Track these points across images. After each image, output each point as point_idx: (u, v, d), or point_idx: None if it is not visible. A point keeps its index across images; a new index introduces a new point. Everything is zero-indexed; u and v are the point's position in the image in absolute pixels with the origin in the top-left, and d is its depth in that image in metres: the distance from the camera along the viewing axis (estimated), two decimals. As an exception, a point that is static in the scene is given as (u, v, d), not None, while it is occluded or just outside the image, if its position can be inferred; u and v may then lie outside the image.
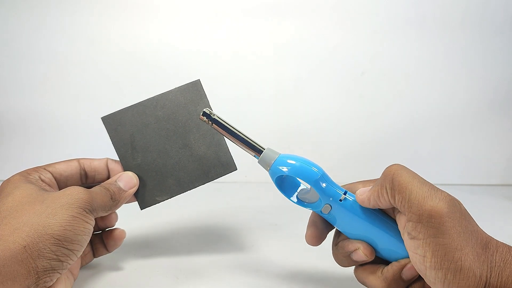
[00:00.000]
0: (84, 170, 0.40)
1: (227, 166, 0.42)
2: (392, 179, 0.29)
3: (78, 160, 0.40)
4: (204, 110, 0.35)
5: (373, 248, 0.33)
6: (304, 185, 0.37)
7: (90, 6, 0.75)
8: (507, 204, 0.70)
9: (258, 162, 0.35)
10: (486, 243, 0.27)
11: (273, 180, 0.35)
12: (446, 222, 0.26)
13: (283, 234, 0.52)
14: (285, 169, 0.33)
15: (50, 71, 0.77)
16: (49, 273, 0.30)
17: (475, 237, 0.27)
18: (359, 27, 0.78)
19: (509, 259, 0.26)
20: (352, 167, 0.82)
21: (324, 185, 0.33)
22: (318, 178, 0.33)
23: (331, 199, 0.33)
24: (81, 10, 0.75)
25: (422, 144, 0.82)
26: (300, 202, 0.35)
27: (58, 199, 0.32)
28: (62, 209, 0.31)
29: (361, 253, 0.33)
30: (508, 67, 0.79)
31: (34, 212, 0.31)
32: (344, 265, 0.35)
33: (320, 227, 0.35)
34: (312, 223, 0.36)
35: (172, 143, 0.41)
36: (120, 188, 0.38)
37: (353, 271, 0.35)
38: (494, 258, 0.26)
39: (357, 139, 0.82)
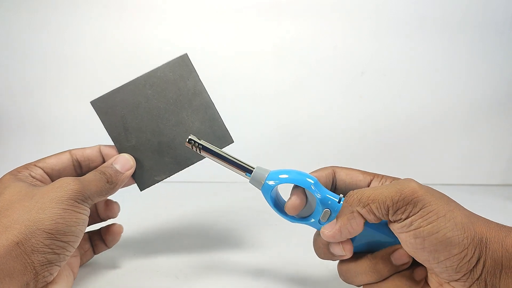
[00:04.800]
0: (77, 161, 0.39)
1: (223, 139, 0.41)
2: (360, 198, 0.30)
3: (69, 151, 0.39)
4: (189, 137, 0.35)
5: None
6: None
7: (90, 6, 0.75)
8: (507, 204, 0.70)
9: (250, 181, 0.35)
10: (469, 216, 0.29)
11: (266, 198, 0.35)
12: (424, 196, 0.27)
13: (284, 234, 0.52)
14: (284, 176, 0.33)
15: (50, 71, 0.77)
16: (47, 267, 0.30)
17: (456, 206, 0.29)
18: (359, 27, 0.78)
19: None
20: (352, 167, 0.82)
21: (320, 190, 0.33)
22: (315, 182, 0.33)
23: (329, 202, 0.33)
24: (81, 10, 0.75)
25: (422, 144, 0.82)
26: (296, 218, 0.35)
27: (47, 193, 0.32)
28: (52, 203, 0.31)
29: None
30: (508, 67, 0.79)
31: (24, 209, 0.31)
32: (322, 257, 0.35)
33: (301, 196, 0.35)
34: (295, 193, 0.35)
35: (165, 121, 0.40)
36: (117, 171, 0.37)
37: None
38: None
39: (357, 139, 0.82)
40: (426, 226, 0.27)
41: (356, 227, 0.30)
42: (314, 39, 0.78)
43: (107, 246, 0.43)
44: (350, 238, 0.32)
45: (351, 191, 0.31)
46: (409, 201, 0.27)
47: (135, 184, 0.41)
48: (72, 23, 0.75)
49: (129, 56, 0.77)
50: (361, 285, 0.33)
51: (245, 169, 0.35)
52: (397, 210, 0.28)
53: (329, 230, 0.31)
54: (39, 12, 0.75)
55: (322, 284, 0.39)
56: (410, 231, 0.27)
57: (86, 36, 0.76)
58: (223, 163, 0.35)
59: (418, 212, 0.27)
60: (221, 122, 0.41)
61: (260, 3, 0.76)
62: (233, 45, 0.78)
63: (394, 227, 0.29)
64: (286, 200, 0.37)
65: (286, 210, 0.34)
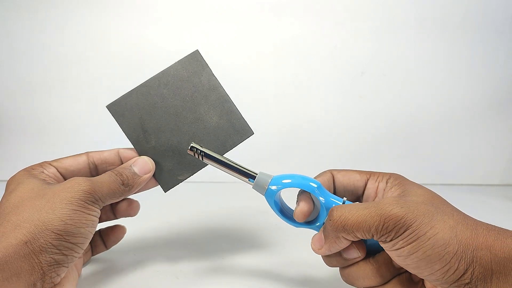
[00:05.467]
0: (94, 163, 0.39)
1: (243, 132, 0.40)
2: (343, 225, 0.30)
3: (87, 153, 0.39)
4: (191, 144, 0.35)
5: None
6: None
7: (90, 6, 0.75)
8: (507, 204, 0.70)
9: (253, 187, 0.35)
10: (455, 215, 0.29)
11: (270, 203, 0.35)
12: (405, 220, 0.27)
13: (283, 234, 0.52)
14: (287, 181, 0.33)
15: (50, 71, 0.77)
16: (54, 268, 0.30)
17: (441, 212, 0.29)
18: (359, 27, 0.78)
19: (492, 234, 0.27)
20: (352, 167, 0.82)
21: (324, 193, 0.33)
22: (319, 185, 0.33)
23: (333, 205, 0.33)
24: (81, 10, 0.75)
25: (422, 144, 0.82)
26: (301, 223, 0.35)
27: (58, 192, 0.32)
28: (62, 203, 0.31)
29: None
30: (508, 67, 0.79)
31: (34, 207, 0.31)
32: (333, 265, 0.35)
33: (309, 201, 0.35)
34: (303, 199, 0.35)
35: (183, 119, 0.40)
36: (134, 173, 0.37)
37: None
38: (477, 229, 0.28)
39: (356, 139, 0.82)
40: (406, 246, 0.27)
41: (344, 246, 0.32)
42: (314, 39, 0.78)
43: (106, 247, 0.43)
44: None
45: (333, 208, 0.31)
46: (391, 228, 0.28)
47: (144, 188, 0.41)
48: (72, 23, 0.75)
49: (130, 56, 0.77)
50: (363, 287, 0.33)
51: (248, 175, 0.35)
52: (381, 236, 0.29)
53: (318, 247, 0.33)
54: (39, 12, 0.75)
55: (323, 284, 0.39)
56: (392, 250, 0.28)
57: (87, 36, 0.76)
58: (226, 169, 0.35)
59: (400, 235, 0.28)
60: (239, 115, 0.41)
61: (260, 3, 0.76)
62: (233, 45, 0.78)
63: (381, 244, 0.30)
64: (289, 205, 0.37)
65: (295, 217, 0.34)
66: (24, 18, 0.75)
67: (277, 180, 0.34)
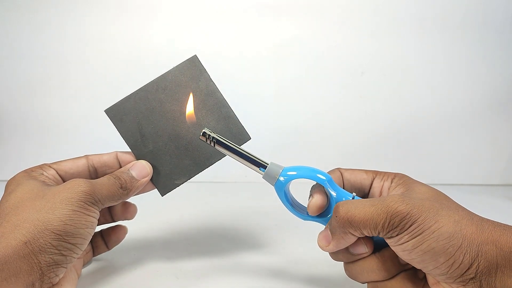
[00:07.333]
0: (94, 167, 0.39)
1: (240, 137, 0.41)
2: (350, 221, 0.30)
3: (86, 156, 0.39)
4: (203, 130, 0.35)
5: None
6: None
7: (90, 6, 0.75)
8: (507, 204, 0.70)
9: (263, 177, 0.35)
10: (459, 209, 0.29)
11: (279, 194, 0.35)
12: (410, 215, 0.28)
13: (284, 234, 0.52)
14: (298, 173, 0.33)
15: (50, 71, 0.77)
16: (53, 268, 0.30)
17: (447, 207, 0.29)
18: (359, 27, 0.78)
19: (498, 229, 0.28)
20: (353, 167, 0.81)
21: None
22: (330, 179, 0.33)
23: (343, 199, 0.33)
24: (81, 11, 0.75)
25: (422, 144, 0.82)
26: (309, 216, 0.35)
27: (58, 193, 0.32)
28: (62, 204, 0.31)
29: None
30: (508, 67, 0.79)
31: (34, 208, 0.31)
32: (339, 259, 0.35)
33: (323, 194, 0.34)
34: (317, 192, 0.34)
35: (181, 123, 0.40)
36: (132, 177, 0.37)
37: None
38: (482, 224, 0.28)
39: (356, 139, 0.82)
40: (410, 240, 0.28)
41: (351, 241, 0.32)
42: (314, 39, 0.78)
43: (107, 248, 0.43)
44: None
45: (338, 203, 0.31)
46: (397, 224, 0.28)
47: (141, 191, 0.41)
48: (72, 23, 0.75)
49: (130, 56, 0.77)
50: (366, 282, 0.33)
51: (259, 164, 0.35)
52: (387, 233, 0.29)
53: (325, 244, 0.33)
54: (39, 12, 0.75)
55: (323, 284, 0.39)
56: (397, 245, 0.29)
57: (87, 36, 0.76)
58: (237, 157, 0.35)
59: (405, 230, 0.28)
60: (236, 120, 0.41)
61: (260, 3, 0.76)
62: (233, 45, 0.78)
63: (386, 240, 0.30)
64: (295, 197, 0.37)
65: (309, 210, 0.34)
66: (24, 18, 0.75)
67: (288, 171, 0.34)
